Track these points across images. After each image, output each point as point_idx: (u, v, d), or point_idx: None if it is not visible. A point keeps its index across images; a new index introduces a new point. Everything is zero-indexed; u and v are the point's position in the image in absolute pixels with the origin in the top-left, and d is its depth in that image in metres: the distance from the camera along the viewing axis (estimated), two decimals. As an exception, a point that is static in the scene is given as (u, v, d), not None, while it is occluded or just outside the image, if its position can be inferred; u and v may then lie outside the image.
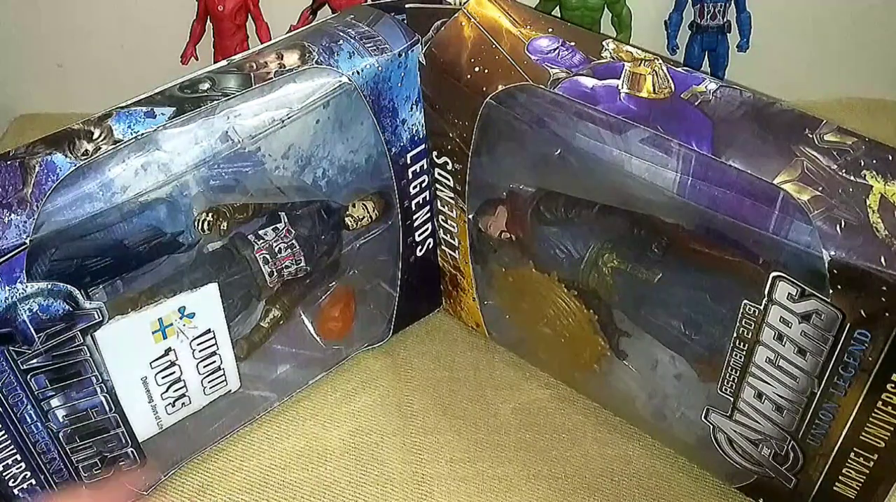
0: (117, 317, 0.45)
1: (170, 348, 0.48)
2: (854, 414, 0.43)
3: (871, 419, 0.43)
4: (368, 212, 0.56)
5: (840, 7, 0.77)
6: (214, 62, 0.53)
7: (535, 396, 0.59)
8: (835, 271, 0.39)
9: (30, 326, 0.42)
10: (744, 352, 0.45)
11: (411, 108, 0.53)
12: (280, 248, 0.53)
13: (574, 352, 0.56)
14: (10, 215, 0.41)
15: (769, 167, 0.41)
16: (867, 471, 0.45)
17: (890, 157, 0.42)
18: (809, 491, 0.48)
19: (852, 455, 0.44)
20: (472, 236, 0.57)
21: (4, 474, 0.46)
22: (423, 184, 0.56)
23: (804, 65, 0.79)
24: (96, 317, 0.44)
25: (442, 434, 0.57)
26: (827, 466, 0.46)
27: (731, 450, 0.50)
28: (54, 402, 0.46)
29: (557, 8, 0.73)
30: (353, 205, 0.55)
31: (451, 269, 0.61)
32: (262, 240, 0.52)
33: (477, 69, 0.50)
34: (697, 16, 0.74)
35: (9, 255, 0.41)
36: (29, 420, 0.45)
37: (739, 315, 0.44)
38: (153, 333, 0.47)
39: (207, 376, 0.51)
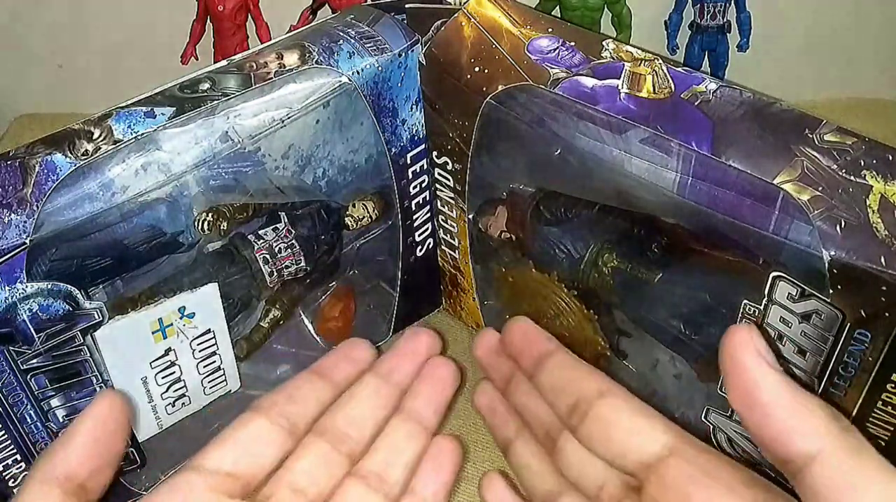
0: (117, 317, 0.45)
1: (170, 348, 0.48)
2: (854, 414, 0.43)
3: (871, 419, 0.43)
4: (368, 212, 0.56)
5: (840, 7, 0.77)
6: (214, 62, 0.54)
7: (535, 396, 0.59)
8: (835, 271, 0.39)
9: (30, 326, 0.42)
10: (744, 352, 0.45)
11: (411, 108, 0.53)
12: (280, 248, 0.53)
13: (574, 352, 0.56)
14: (9, 215, 0.41)
15: (769, 167, 0.41)
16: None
17: (890, 157, 0.42)
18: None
19: (852, 455, 0.44)
20: (472, 236, 0.57)
21: (4, 474, 0.46)
22: (423, 184, 0.56)
23: (804, 65, 0.79)
24: (96, 317, 0.44)
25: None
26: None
27: (731, 450, 0.50)
28: (54, 402, 0.46)
29: (557, 8, 0.73)
30: (353, 205, 0.55)
31: (451, 269, 0.61)
32: (262, 240, 0.52)
33: (477, 69, 0.50)
34: (697, 16, 0.74)
35: (9, 255, 0.41)
36: (29, 420, 0.45)
37: (739, 315, 0.44)
38: (153, 333, 0.47)
39: (207, 376, 0.51)
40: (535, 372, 0.39)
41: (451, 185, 0.55)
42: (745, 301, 0.44)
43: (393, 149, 0.53)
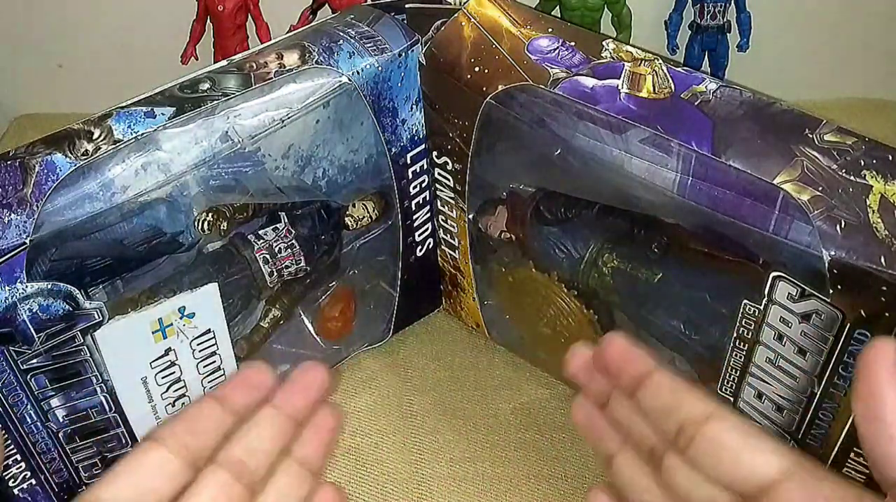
0: (117, 317, 0.45)
1: (170, 348, 0.48)
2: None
3: (871, 419, 0.43)
4: (368, 212, 0.56)
5: (840, 7, 0.77)
6: (214, 62, 0.54)
7: (535, 396, 0.59)
8: (835, 271, 0.39)
9: (30, 326, 0.42)
10: (744, 352, 0.45)
11: (411, 108, 0.53)
12: (280, 248, 0.53)
13: (574, 352, 0.56)
14: (10, 215, 0.41)
15: (769, 167, 0.41)
16: (867, 471, 0.45)
17: (890, 157, 0.42)
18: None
19: (852, 455, 0.44)
20: (472, 236, 0.57)
21: (4, 474, 0.46)
22: (423, 184, 0.56)
23: (804, 65, 0.79)
24: (96, 317, 0.44)
25: (442, 434, 0.57)
26: (827, 466, 0.46)
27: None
28: (54, 402, 0.46)
29: (557, 8, 0.73)
30: (353, 205, 0.55)
31: (451, 269, 0.61)
32: (262, 240, 0.52)
33: (477, 69, 0.50)
34: (697, 16, 0.74)
35: (9, 255, 0.41)
36: (29, 420, 0.45)
37: (739, 315, 0.44)
38: (153, 333, 0.47)
39: (207, 376, 0.51)
40: (636, 391, 0.39)
41: (451, 185, 0.55)
42: (746, 301, 0.44)
43: (393, 149, 0.53)
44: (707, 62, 0.76)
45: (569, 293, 0.53)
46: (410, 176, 0.55)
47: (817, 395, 0.44)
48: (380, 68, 0.50)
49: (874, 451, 0.33)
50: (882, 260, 0.38)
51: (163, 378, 0.49)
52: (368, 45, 0.50)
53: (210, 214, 0.49)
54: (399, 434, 0.57)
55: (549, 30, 0.50)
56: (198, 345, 0.50)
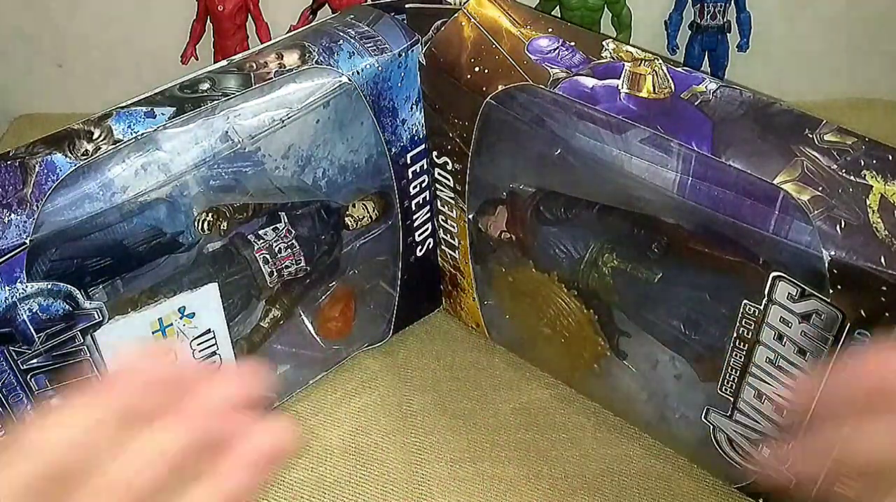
0: (117, 317, 0.45)
1: (170, 348, 0.48)
2: (854, 414, 0.43)
3: (871, 419, 0.42)
4: (368, 212, 0.56)
5: (840, 7, 0.77)
6: (214, 62, 0.53)
7: (535, 396, 0.59)
8: (835, 271, 0.39)
9: (30, 326, 0.42)
10: (744, 352, 0.45)
11: (411, 108, 0.53)
12: (280, 248, 0.53)
13: (574, 352, 0.56)
14: (10, 215, 0.41)
15: (769, 167, 0.41)
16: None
17: (890, 157, 0.42)
18: (810, 491, 0.48)
19: (852, 455, 0.44)
20: (472, 236, 0.57)
21: (4, 474, 0.46)
22: (423, 184, 0.56)
23: (804, 65, 0.79)
24: (96, 317, 0.44)
25: (442, 434, 0.57)
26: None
27: (731, 450, 0.50)
28: (54, 402, 0.46)
29: (557, 8, 0.73)
30: (353, 205, 0.55)
31: (450, 269, 0.61)
32: (262, 240, 0.52)
33: (477, 69, 0.50)
34: (697, 16, 0.74)
35: (9, 255, 0.41)
36: (29, 420, 0.45)
37: (739, 315, 0.44)
38: (153, 333, 0.47)
39: (207, 376, 0.51)
40: None
41: (451, 185, 0.55)
42: (746, 301, 0.44)
43: (393, 149, 0.53)
44: (707, 62, 0.76)
45: (569, 293, 0.53)
46: (410, 176, 0.55)
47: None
48: (380, 68, 0.50)
49: None
50: (882, 260, 0.38)
51: (163, 378, 0.49)
52: (368, 45, 0.50)
53: (210, 214, 0.49)
54: (399, 434, 0.57)
55: (549, 30, 0.50)
56: (198, 344, 0.50)
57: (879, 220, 0.39)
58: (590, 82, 0.47)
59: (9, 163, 0.43)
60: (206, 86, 0.47)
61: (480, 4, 0.52)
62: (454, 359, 0.61)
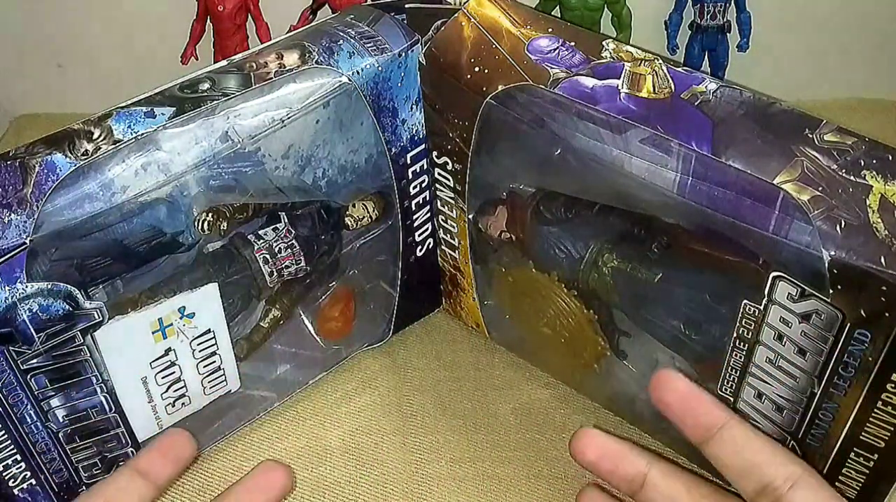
0: (117, 317, 0.45)
1: (170, 348, 0.48)
2: (854, 414, 0.43)
3: (871, 419, 0.42)
4: (368, 212, 0.56)
5: (840, 7, 0.77)
6: (214, 62, 0.53)
7: (535, 396, 0.59)
8: (835, 271, 0.39)
9: (30, 326, 0.42)
10: (744, 352, 0.45)
11: (411, 108, 0.53)
12: (280, 248, 0.53)
13: (574, 352, 0.56)
14: (9, 215, 0.41)
15: (769, 167, 0.41)
16: (867, 471, 0.45)
17: (890, 157, 0.42)
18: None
19: (852, 455, 0.44)
20: (472, 236, 0.57)
21: (4, 474, 0.46)
22: (423, 184, 0.56)
23: (804, 65, 0.79)
24: (96, 317, 0.44)
25: (442, 434, 0.57)
26: (827, 466, 0.46)
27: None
28: (54, 402, 0.46)
29: (557, 8, 0.73)
30: (353, 205, 0.55)
31: (450, 269, 0.61)
32: (261, 240, 0.52)
33: (477, 69, 0.50)
34: (697, 16, 0.74)
35: (9, 255, 0.41)
36: (29, 420, 0.45)
37: (739, 315, 0.44)
38: (153, 333, 0.47)
39: (207, 376, 0.51)
40: (706, 443, 0.38)
41: (451, 185, 0.55)
42: (745, 301, 0.44)
43: (393, 149, 0.53)
44: (707, 62, 0.76)
45: (569, 293, 0.53)
46: (410, 176, 0.55)
47: (817, 395, 0.44)
48: (380, 68, 0.50)
49: (735, 466, 0.34)
50: (882, 260, 0.38)
51: (163, 378, 0.49)
52: (368, 45, 0.50)
53: (210, 214, 0.49)
54: (399, 434, 0.57)
55: (549, 30, 0.50)
56: (198, 345, 0.50)
57: (879, 220, 0.39)
58: (590, 82, 0.47)
59: (9, 163, 0.43)
60: (206, 86, 0.47)
61: (480, 4, 0.52)
62: (454, 358, 0.61)
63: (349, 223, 0.55)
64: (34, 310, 0.42)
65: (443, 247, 0.60)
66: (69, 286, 0.43)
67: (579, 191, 0.51)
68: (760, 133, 0.43)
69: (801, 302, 0.42)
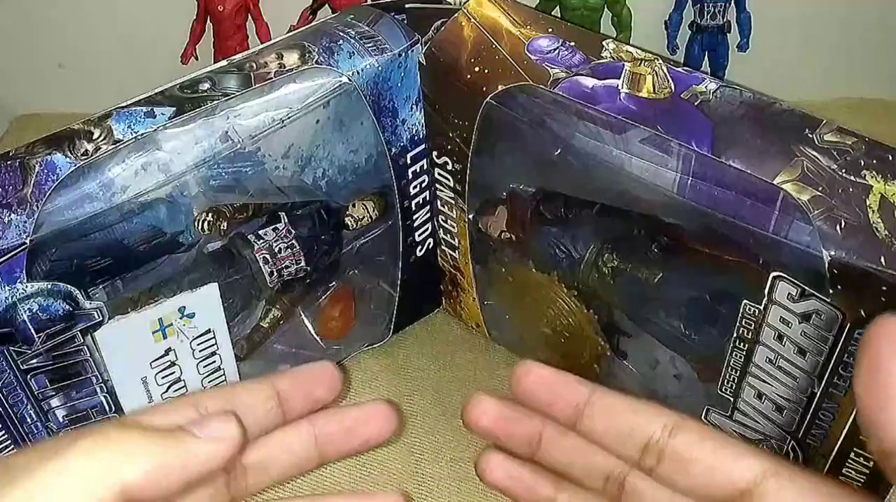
0: (117, 317, 0.45)
1: (170, 348, 0.48)
2: (854, 414, 0.43)
3: (871, 419, 0.42)
4: (368, 212, 0.56)
5: (841, 7, 0.77)
6: (214, 62, 0.53)
7: (535, 396, 0.59)
8: (835, 271, 0.39)
9: (30, 326, 0.42)
10: (744, 352, 0.45)
11: (411, 108, 0.53)
12: (280, 248, 0.53)
13: (574, 352, 0.56)
14: (10, 215, 0.41)
15: (769, 167, 0.41)
16: (867, 472, 0.45)
17: (890, 157, 0.42)
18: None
19: (852, 455, 0.44)
20: (472, 236, 0.57)
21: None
22: (423, 184, 0.56)
23: (804, 65, 0.79)
24: (96, 317, 0.44)
25: (442, 434, 0.57)
26: (827, 466, 0.46)
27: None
28: (54, 402, 0.46)
29: (557, 8, 0.73)
30: (353, 205, 0.55)
31: (451, 269, 0.61)
32: (261, 240, 0.52)
33: (477, 69, 0.50)
34: (697, 16, 0.74)
35: (9, 255, 0.41)
36: (29, 420, 0.45)
37: (739, 315, 0.44)
38: (153, 333, 0.47)
39: (207, 376, 0.51)
40: (578, 421, 0.37)
41: (451, 185, 0.55)
42: (746, 301, 0.44)
43: (393, 149, 0.53)
44: (707, 62, 0.76)
45: (569, 293, 0.53)
46: (410, 176, 0.55)
47: (817, 395, 0.44)
48: (380, 68, 0.50)
49: (877, 419, 0.32)
50: (882, 260, 0.38)
51: (163, 378, 0.49)
52: (368, 45, 0.50)
53: (210, 214, 0.49)
54: (399, 434, 0.56)
55: (549, 30, 0.50)
56: (198, 345, 0.50)
57: (879, 220, 0.39)
58: (590, 82, 0.47)
59: (9, 163, 0.43)
60: (206, 86, 0.47)
61: (480, 4, 0.52)
62: (454, 359, 0.61)
63: (349, 223, 0.55)
64: (34, 310, 0.42)
65: (443, 247, 0.60)
66: (69, 286, 0.43)
67: (579, 191, 0.51)
68: (760, 133, 0.43)
69: (801, 302, 0.41)
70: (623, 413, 0.36)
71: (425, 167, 0.56)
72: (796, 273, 0.41)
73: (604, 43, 0.49)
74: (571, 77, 0.47)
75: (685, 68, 0.47)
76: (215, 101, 0.46)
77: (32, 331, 0.43)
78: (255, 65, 0.48)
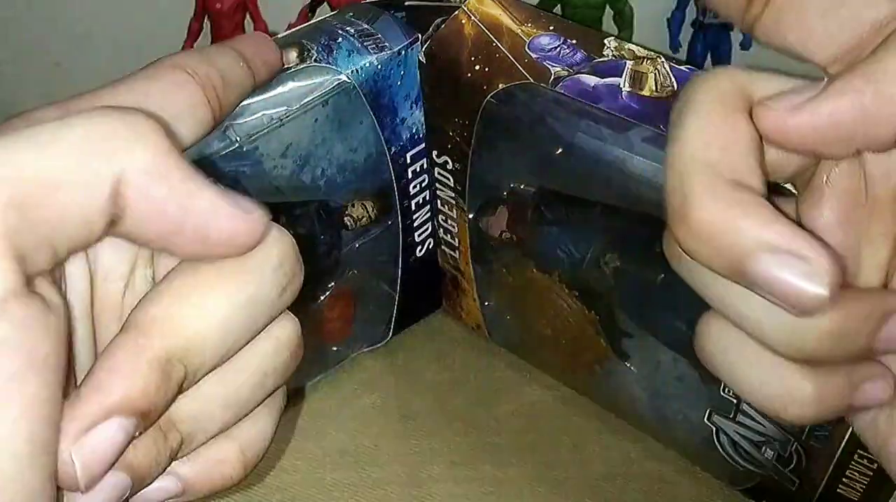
0: (114, 319, 0.45)
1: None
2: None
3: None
4: (368, 212, 0.55)
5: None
6: (212, 60, 0.53)
7: (535, 398, 0.58)
8: (840, 272, 0.39)
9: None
10: (747, 354, 0.45)
11: (411, 107, 0.53)
12: (278, 248, 0.52)
13: (575, 353, 0.55)
14: (4, 215, 0.41)
15: (773, 166, 0.41)
16: (871, 473, 0.44)
17: (895, 157, 0.41)
18: (813, 493, 0.47)
19: (856, 456, 0.44)
20: (472, 236, 0.57)
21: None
22: (423, 184, 0.56)
23: (807, 63, 0.79)
24: (92, 318, 0.44)
25: (442, 435, 0.56)
26: (831, 468, 0.45)
27: (733, 452, 0.50)
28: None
29: (559, 6, 0.73)
30: (353, 205, 0.55)
31: (451, 270, 0.60)
32: (260, 241, 0.52)
33: (477, 67, 0.49)
34: (700, 13, 0.74)
35: (3, 256, 0.40)
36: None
37: (743, 316, 0.44)
38: (150, 334, 0.47)
39: (205, 378, 0.51)
40: None
41: (452, 185, 0.55)
42: (749, 302, 0.43)
43: (392, 149, 0.53)
44: (710, 60, 0.76)
45: (570, 293, 0.53)
46: (410, 175, 0.55)
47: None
48: (379, 66, 0.50)
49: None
50: (888, 260, 0.38)
51: (160, 379, 0.49)
52: (368, 43, 0.50)
53: (208, 214, 0.48)
54: (399, 435, 0.56)
55: (550, 27, 0.50)
56: (195, 346, 0.49)
57: (884, 220, 0.39)
58: (591, 80, 0.46)
59: (3, 162, 0.42)
60: (203, 84, 0.47)
61: (481, 2, 0.52)
62: (454, 360, 0.61)
63: (348, 223, 0.55)
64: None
65: (443, 248, 0.60)
66: (65, 287, 0.42)
67: (581, 191, 0.51)
68: (764, 132, 0.42)
69: (805, 303, 0.41)
70: None
71: (425, 166, 0.55)
72: (800, 273, 0.41)
73: (605, 41, 0.48)
74: (573, 75, 0.47)
75: (688, 66, 0.47)
76: (213, 100, 0.46)
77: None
78: (252, 63, 0.48)
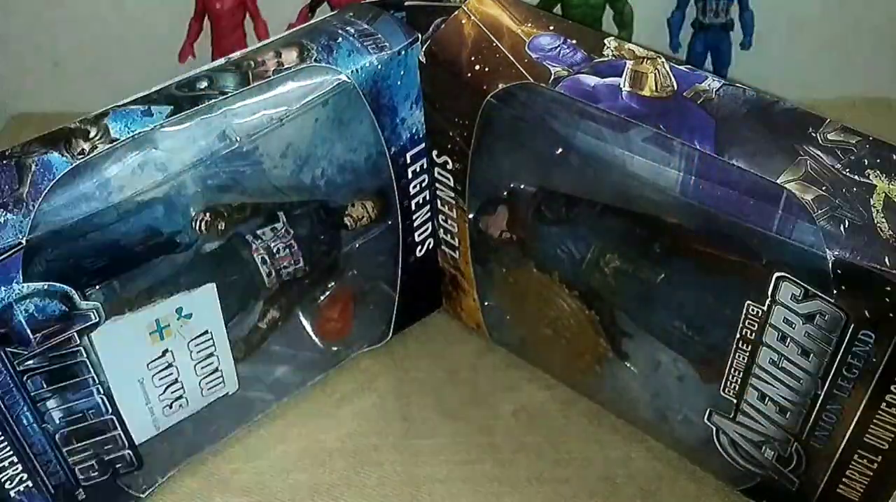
0: (114, 318, 0.45)
1: (167, 349, 0.48)
2: (858, 415, 0.43)
3: (875, 420, 0.42)
4: (367, 212, 0.55)
5: (843, 5, 0.77)
6: (212, 60, 0.53)
7: (535, 398, 0.58)
8: (839, 271, 0.39)
9: (26, 327, 0.42)
10: (747, 354, 0.45)
11: (411, 107, 0.53)
12: (278, 249, 0.52)
13: (575, 354, 0.55)
14: (5, 215, 0.41)
15: (772, 166, 0.41)
16: (871, 473, 0.44)
17: (894, 156, 0.41)
18: (813, 494, 0.47)
19: (856, 457, 0.44)
20: (472, 236, 0.57)
21: (1, 476, 0.46)
22: (423, 184, 0.56)
23: (808, 63, 0.79)
24: (93, 317, 0.44)
25: (441, 435, 0.56)
26: (831, 468, 0.45)
27: (733, 452, 0.50)
28: (51, 404, 0.45)
29: (559, 6, 0.73)
30: (352, 205, 0.55)
31: (451, 270, 0.60)
32: (260, 241, 0.52)
33: (477, 67, 0.49)
34: (700, 13, 0.74)
35: (5, 256, 0.41)
36: (25, 421, 0.45)
37: (742, 316, 0.44)
38: (150, 334, 0.47)
39: (205, 377, 0.51)
40: None
41: (452, 185, 0.55)
42: (749, 301, 0.43)
43: (392, 149, 0.53)
44: (710, 60, 0.76)
45: (570, 293, 0.53)
46: (410, 175, 0.55)
47: (821, 397, 0.43)
48: (379, 67, 0.50)
49: None
50: (886, 260, 0.38)
51: (160, 379, 0.49)
52: (368, 43, 0.50)
53: (208, 214, 0.49)
54: (398, 435, 0.56)
55: (550, 27, 0.50)
56: (195, 346, 0.49)
57: (884, 220, 0.39)
58: (591, 80, 0.46)
59: (4, 162, 0.42)
60: (203, 84, 0.47)
61: (480, 2, 0.52)
62: (454, 360, 0.61)
63: (348, 223, 0.55)
64: (30, 311, 0.42)
65: (443, 248, 0.60)
66: (66, 286, 0.43)
67: (581, 191, 0.51)
68: (764, 132, 0.43)
69: (804, 302, 0.41)
70: None
71: (425, 166, 0.56)
72: (800, 273, 0.41)
73: (605, 41, 0.49)
74: (573, 75, 0.47)
75: (688, 66, 0.47)
76: (213, 100, 0.46)
77: (29, 331, 0.42)
78: (253, 63, 0.48)
